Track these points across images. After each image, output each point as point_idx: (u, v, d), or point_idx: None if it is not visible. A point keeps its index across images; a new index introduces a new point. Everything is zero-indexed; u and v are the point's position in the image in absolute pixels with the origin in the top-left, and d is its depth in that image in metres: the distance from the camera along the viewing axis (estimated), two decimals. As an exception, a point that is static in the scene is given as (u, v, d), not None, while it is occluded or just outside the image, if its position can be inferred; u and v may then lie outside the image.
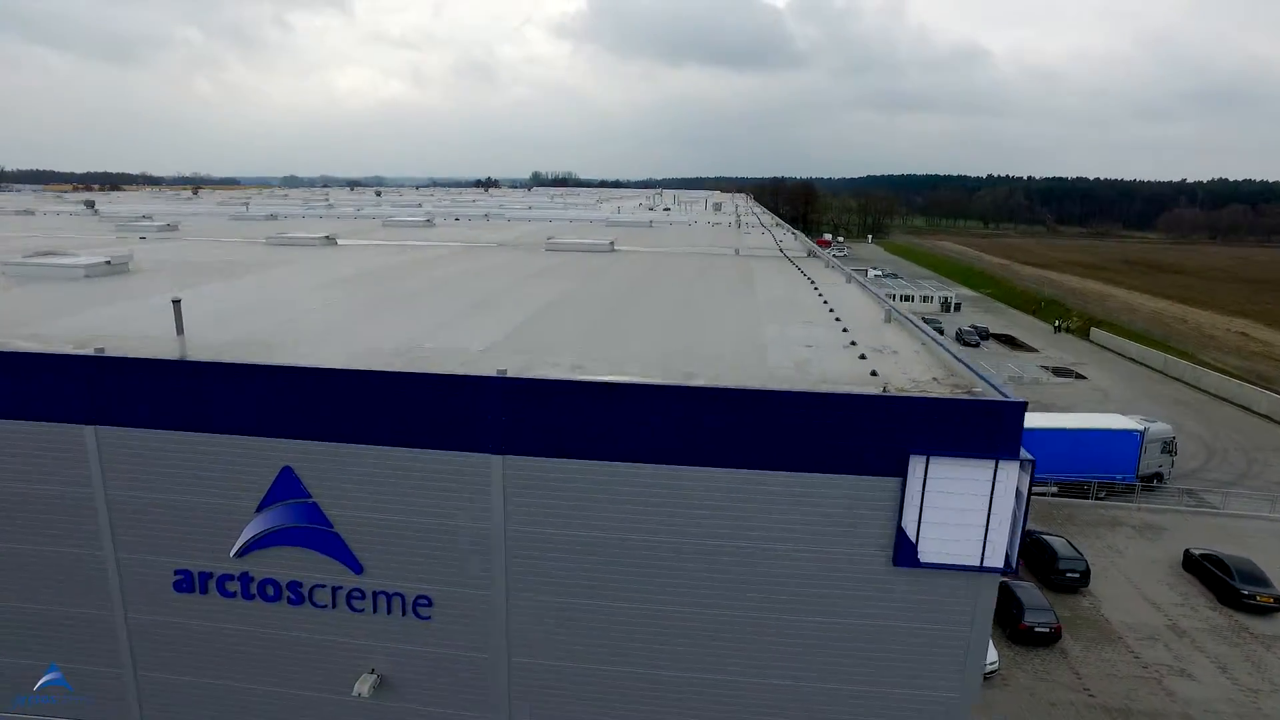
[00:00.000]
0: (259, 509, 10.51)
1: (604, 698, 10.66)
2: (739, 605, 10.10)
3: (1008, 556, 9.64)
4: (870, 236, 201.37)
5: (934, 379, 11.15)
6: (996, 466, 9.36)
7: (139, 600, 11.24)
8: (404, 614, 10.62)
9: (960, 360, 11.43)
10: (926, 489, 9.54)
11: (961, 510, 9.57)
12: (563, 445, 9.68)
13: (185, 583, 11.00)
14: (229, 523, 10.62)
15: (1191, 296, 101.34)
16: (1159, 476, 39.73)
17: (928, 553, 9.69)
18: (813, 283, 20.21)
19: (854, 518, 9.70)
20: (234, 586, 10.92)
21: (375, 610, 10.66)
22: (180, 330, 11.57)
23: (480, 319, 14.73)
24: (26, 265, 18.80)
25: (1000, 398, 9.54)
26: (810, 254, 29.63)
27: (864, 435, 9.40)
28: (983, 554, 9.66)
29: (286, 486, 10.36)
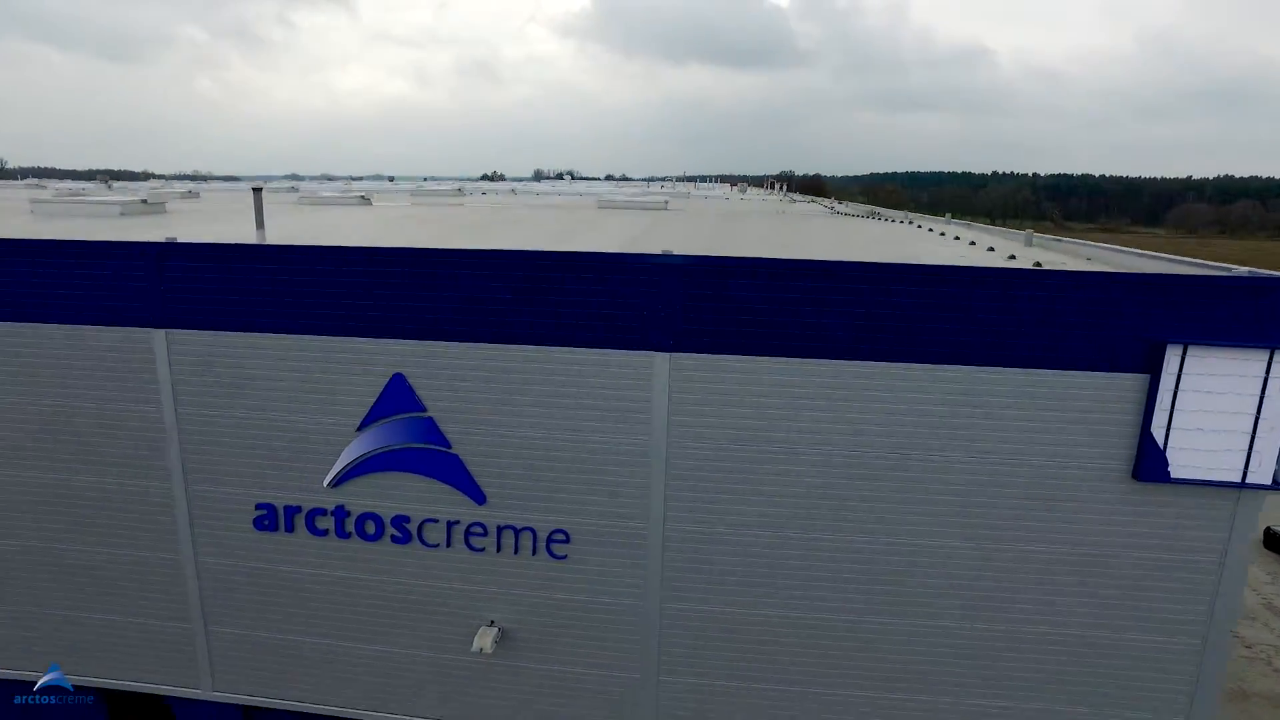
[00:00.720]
0: (361, 427, 8.85)
1: (772, 649, 8.96)
2: (936, 532, 8.43)
3: (1277, 472, 8.00)
4: None
5: (1140, 279, 9.49)
6: (1271, 358, 7.73)
7: (212, 541, 9.57)
8: (534, 553, 8.95)
9: (1170, 258, 9.79)
10: (1180, 386, 7.89)
11: (1223, 414, 7.93)
12: (745, 339, 8.00)
13: (268, 519, 9.33)
14: (324, 445, 8.97)
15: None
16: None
17: (1179, 465, 8.03)
18: (911, 223, 18.57)
19: (1088, 423, 8.05)
20: (326, 523, 9.26)
21: (500, 549, 8.99)
22: (260, 224, 9.88)
23: (587, 238, 13.03)
24: (56, 203, 17.11)
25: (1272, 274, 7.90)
26: (874, 214, 27.97)
27: (1111, 322, 7.75)
28: (1246, 467, 8.01)
29: (397, 398, 8.70)
